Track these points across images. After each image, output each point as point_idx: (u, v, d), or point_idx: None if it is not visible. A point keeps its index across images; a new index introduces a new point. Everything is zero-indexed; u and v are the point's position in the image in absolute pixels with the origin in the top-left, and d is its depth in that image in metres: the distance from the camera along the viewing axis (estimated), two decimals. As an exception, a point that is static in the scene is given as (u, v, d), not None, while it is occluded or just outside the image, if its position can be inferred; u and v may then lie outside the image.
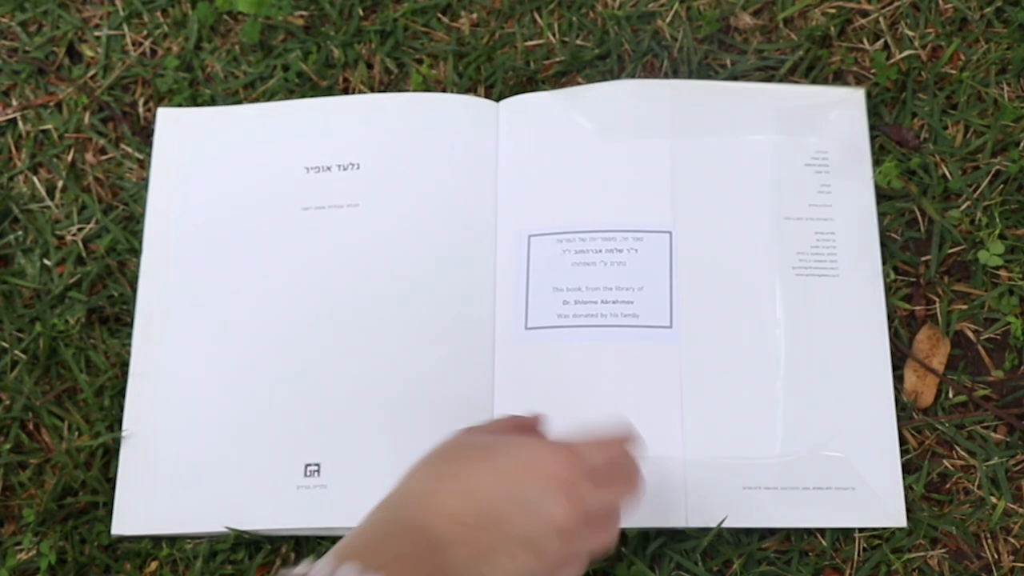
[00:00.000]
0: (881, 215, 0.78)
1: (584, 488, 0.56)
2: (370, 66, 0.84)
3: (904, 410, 0.74)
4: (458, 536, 0.54)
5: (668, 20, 0.84)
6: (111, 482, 0.74)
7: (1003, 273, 0.77)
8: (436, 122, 0.80)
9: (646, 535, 0.71)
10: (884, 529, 0.71)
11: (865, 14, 0.84)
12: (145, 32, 0.86)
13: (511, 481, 0.56)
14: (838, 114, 0.80)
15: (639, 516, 0.69)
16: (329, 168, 0.80)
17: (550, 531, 0.55)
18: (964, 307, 0.76)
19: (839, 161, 0.79)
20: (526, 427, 0.64)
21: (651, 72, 0.83)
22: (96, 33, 0.86)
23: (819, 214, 0.78)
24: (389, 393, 0.74)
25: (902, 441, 0.73)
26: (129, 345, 0.77)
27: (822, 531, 0.71)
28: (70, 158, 0.83)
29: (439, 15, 0.86)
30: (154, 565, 0.72)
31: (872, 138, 0.80)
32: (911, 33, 0.83)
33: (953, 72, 0.82)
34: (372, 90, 0.83)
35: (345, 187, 0.79)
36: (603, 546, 0.59)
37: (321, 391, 0.75)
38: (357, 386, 0.74)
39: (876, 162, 0.79)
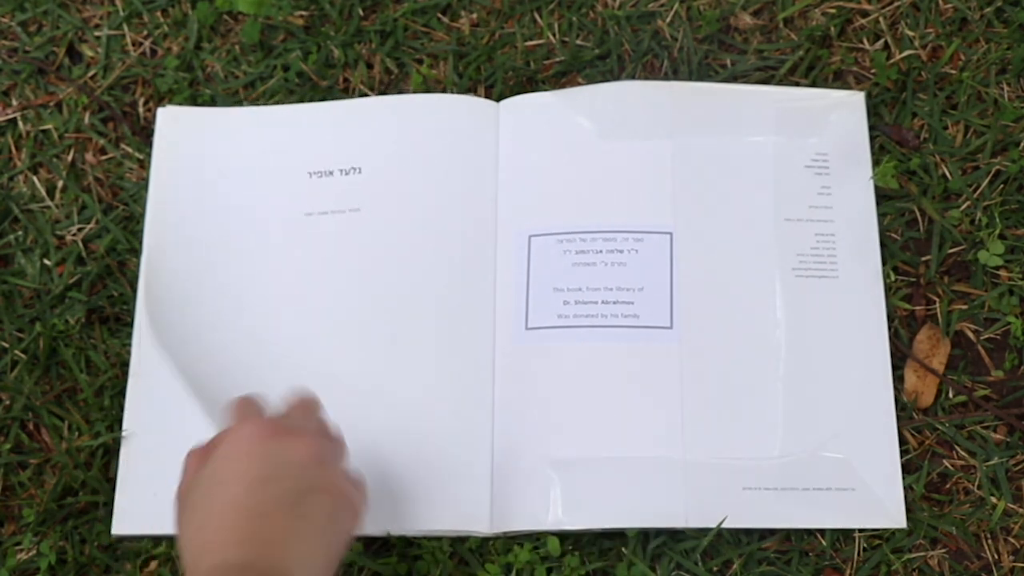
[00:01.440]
0: (881, 215, 0.78)
1: (287, 423, 0.61)
2: (370, 66, 0.84)
3: (904, 410, 0.74)
4: (253, 549, 0.55)
5: (668, 20, 0.84)
6: (111, 482, 0.73)
7: (1003, 273, 0.77)
8: (436, 123, 0.80)
9: (646, 535, 0.71)
10: (884, 529, 0.71)
11: (865, 14, 0.84)
12: (145, 32, 0.86)
13: (240, 470, 0.58)
14: (838, 116, 0.80)
15: (639, 516, 0.70)
16: (331, 173, 0.80)
17: (307, 465, 0.58)
18: (964, 307, 0.76)
19: (839, 163, 0.79)
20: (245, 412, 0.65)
21: (651, 72, 0.83)
22: (96, 33, 0.86)
23: (819, 216, 0.78)
24: (391, 394, 0.74)
25: (902, 441, 0.73)
26: (129, 345, 0.77)
27: (822, 531, 0.71)
28: (70, 158, 0.83)
29: (439, 15, 0.86)
30: (154, 565, 0.72)
31: (872, 138, 0.80)
32: (911, 33, 0.83)
33: (953, 72, 0.82)
34: (372, 90, 0.83)
35: (347, 191, 0.79)
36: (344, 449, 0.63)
37: (321, 392, 0.75)
38: (358, 387, 0.74)
39: (876, 163, 0.79)
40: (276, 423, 0.61)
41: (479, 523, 0.71)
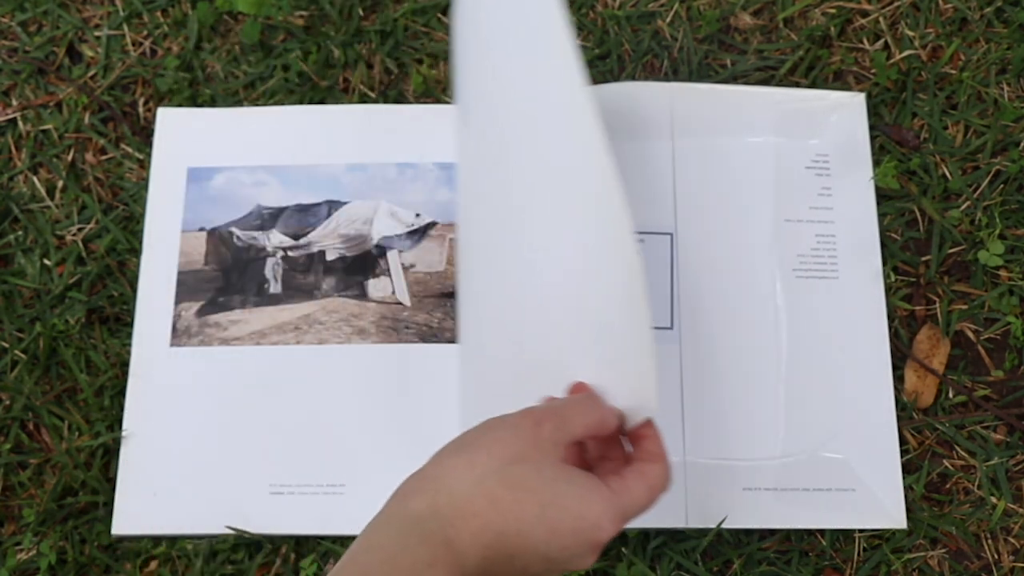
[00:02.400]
0: (881, 215, 0.78)
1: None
2: (370, 66, 0.84)
3: (904, 410, 0.74)
4: (482, 565, 0.50)
5: (668, 20, 0.84)
6: (111, 482, 0.74)
7: (1003, 273, 0.77)
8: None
9: (646, 535, 0.71)
10: (884, 529, 0.71)
11: (865, 14, 0.84)
12: (145, 32, 0.86)
13: (549, 536, 0.51)
14: (839, 117, 0.80)
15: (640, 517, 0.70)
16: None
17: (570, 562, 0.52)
18: (964, 307, 0.76)
19: (840, 164, 0.79)
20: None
21: (651, 72, 0.83)
22: (96, 33, 0.86)
23: (820, 216, 0.78)
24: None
25: (902, 441, 0.73)
26: (129, 345, 0.77)
27: (822, 531, 0.71)
28: (70, 158, 0.83)
29: (439, 15, 0.86)
30: (154, 565, 0.72)
31: (872, 138, 0.80)
32: (911, 33, 0.83)
33: (953, 72, 0.82)
34: (372, 90, 0.83)
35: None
36: None
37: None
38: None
39: (876, 163, 0.79)
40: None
41: None
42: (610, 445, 0.57)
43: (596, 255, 0.58)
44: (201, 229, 0.80)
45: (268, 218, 0.80)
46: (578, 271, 0.59)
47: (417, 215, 0.80)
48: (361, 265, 0.79)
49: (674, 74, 0.83)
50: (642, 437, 0.56)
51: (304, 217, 0.80)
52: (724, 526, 0.70)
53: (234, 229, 0.80)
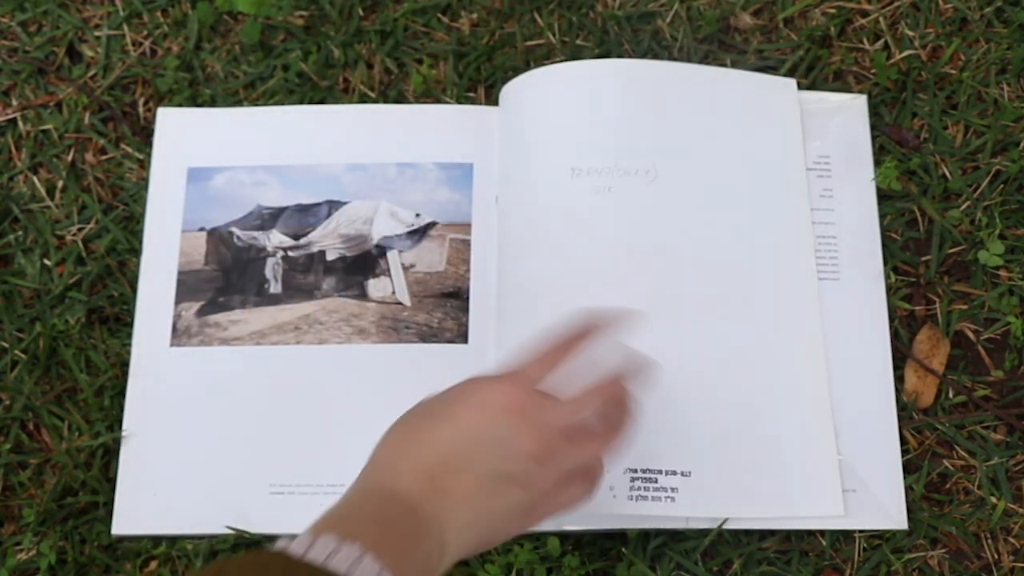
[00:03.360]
0: (881, 215, 0.78)
1: (541, 408, 0.57)
2: (370, 66, 0.84)
3: (904, 410, 0.74)
4: (428, 490, 0.55)
5: (668, 20, 0.84)
6: (111, 482, 0.74)
7: (1003, 273, 0.77)
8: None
9: (646, 535, 0.71)
10: (884, 529, 0.71)
11: (865, 14, 0.84)
12: (145, 32, 0.86)
13: (466, 424, 0.56)
14: (840, 119, 0.80)
15: (640, 517, 0.70)
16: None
17: (522, 458, 0.56)
18: (964, 307, 0.76)
19: (841, 166, 0.79)
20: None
21: (651, 72, 0.83)
22: (96, 33, 0.86)
23: (821, 218, 0.78)
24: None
25: (902, 441, 0.73)
26: (129, 345, 0.77)
27: (822, 531, 0.71)
28: (70, 158, 0.83)
29: (439, 15, 0.86)
30: (154, 565, 0.72)
31: (872, 138, 0.80)
32: (911, 33, 0.83)
33: (953, 72, 0.82)
34: (372, 90, 0.83)
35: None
36: (594, 455, 0.60)
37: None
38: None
39: (877, 163, 0.79)
40: (528, 401, 0.57)
41: None
42: None
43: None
44: (201, 229, 0.80)
45: (268, 218, 0.80)
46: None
47: (417, 215, 0.80)
48: (361, 265, 0.79)
49: (674, 74, 0.83)
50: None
51: (304, 217, 0.80)
52: (724, 526, 0.70)
53: (234, 229, 0.80)
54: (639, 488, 0.69)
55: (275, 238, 0.80)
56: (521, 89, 0.79)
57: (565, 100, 0.78)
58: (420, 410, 0.59)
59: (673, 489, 0.70)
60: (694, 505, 0.69)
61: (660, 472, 0.70)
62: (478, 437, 0.56)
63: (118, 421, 0.75)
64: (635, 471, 0.70)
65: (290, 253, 0.80)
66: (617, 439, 0.61)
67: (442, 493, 0.55)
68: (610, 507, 0.69)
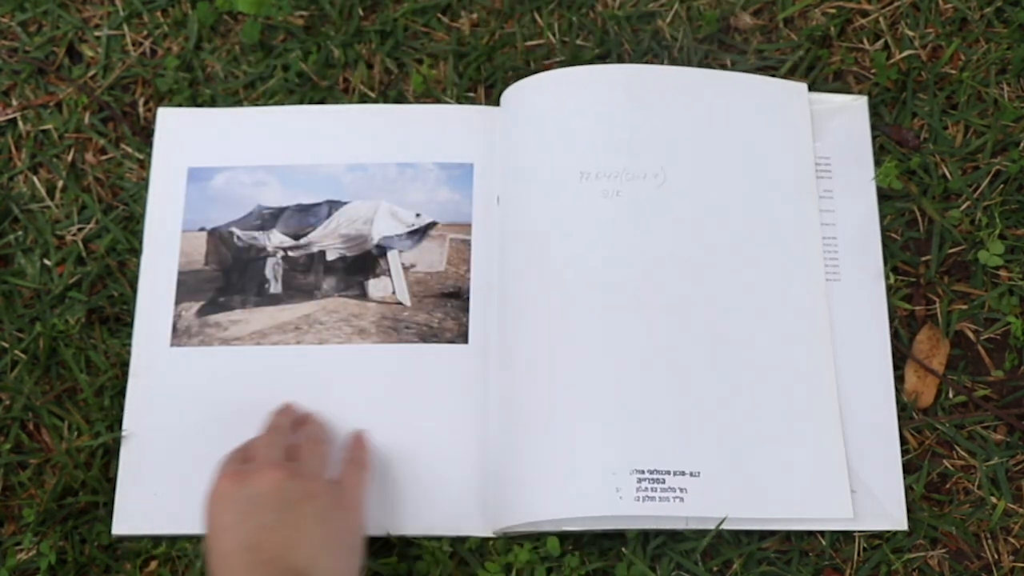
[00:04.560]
0: (881, 215, 0.78)
1: (233, 473, 0.65)
2: (370, 66, 0.84)
3: (904, 410, 0.74)
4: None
5: (668, 20, 0.84)
6: (111, 482, 0.74)
7: (1003, 273, 0.77)
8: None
9: (646, 535, 0.71)
10: (885, 530, 0.71)
11: (865, 14, 0.84)
12: (145, 32, 0.86)
13: (212, 526, 0.64)
14: (841, 120, 0.80)
15: (648, 519, 0.69)
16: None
17: (253, 507, 0.63)
18: (964, 307, 0.76)
19: (842, 167, 0.79)
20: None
21: (651, 72, 0.83)
22: (96, 33, 0.86)
23: (821, 219, 0.78)
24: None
25: (902, 441, 0.73)
26: (129, 345, 0.77)
27: (822, 531, 0.71)
28: (70, 158, 0.83)
29: (439, 15, 0.86)
30: (154, 565, 0.72)
31: (872, 138, 0.80)
32: (911, 33, 0.83)
33: (953, 72, 0.82)
34: (372, 90, 0.83)
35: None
36: (319, 462, 0.68)
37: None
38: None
39: (877, 163, 0.79)
40: (237, 472, 0.65)
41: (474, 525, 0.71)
42: None
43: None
44: (201, 229, 0.80)
45: (268, 218, 0.80)
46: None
47: (417, 215, 0.80)
48: (361, 265, 0.79)
49: (674, 74, 0.83)
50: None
51: (304, 217, 0.80)
52: (724, 526, 0.70)
53: (234, 229, 0.80)
54: (646, 489, 0.69)
55: (275, 238, 0.80)
56: (526, 92, 0.79)
57: (574, 104, 0.78)
58: (210, 530, 0.65)
59: (682, 490, 0.70)
60: (702, 506, 0.69)
61: (668, 473, 0.70)
62: (238, 514, 0.63)
63: (118, 421, 0.75)
64: (642, 472, 0.70)
65: (290, 253, 0.80)
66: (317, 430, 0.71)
67: (274, 560, 0.61)
68: (616, 508, 0.69)
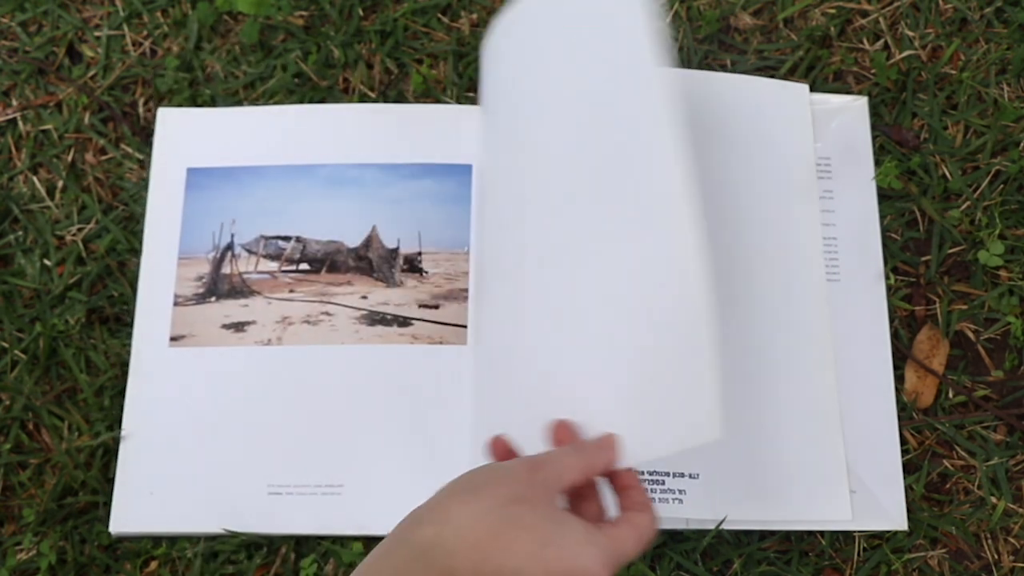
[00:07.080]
0: (881, 216, 0.78)
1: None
2: (370, 66, 0.84)
3: (904, 410, 0.74)
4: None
5: (668, 20, 0.84)
6: (111, 482, 0.74)
7: (1003, 273, 0.77)
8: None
9: (646, 535, 0.71)
10: (885, 530, 0.71)
11: (865, 14, 0.84)
12: (145, 32, 0.86)
13: (544, 574, 0.51)
14: (841, 121, 0.80)
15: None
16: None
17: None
18: (964, 307, 0.76)
19: (842, 167, 0.79)
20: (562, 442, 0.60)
21: (651, 72, 0.83)
22: (96, 33, 0.86)
23: (822, 219, 0.78)
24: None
25: (902, 441, 0.73)
26: (129, 345, 0.77)
27: (822, 531, 0.71)
28: (70, 158, 0.83)
29: (439, 15, 0.86)
30: (154, 565, 0.72)
31: (872, 139, 0.80)
32: (911, 33, 0.83)
33: (953, 72, 0.82)
34: (372, 90, 0.83)
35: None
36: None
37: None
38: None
39: (877, 163, 0.79)
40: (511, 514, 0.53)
41: None
42: (586, 488, 0.58)
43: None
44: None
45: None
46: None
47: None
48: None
49: (674, 74, 0.83)
50: (627, 487, 0.57)
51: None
52: (724, 526, 0.70)
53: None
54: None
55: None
56: None
57: None
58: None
59: (681, 491, 0.70)
60: (702, 507, 0.69)
61: (668, 474, 0.70)
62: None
63: (118, 421, 0.75)
64: (641, 473, 0.70)
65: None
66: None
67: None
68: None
